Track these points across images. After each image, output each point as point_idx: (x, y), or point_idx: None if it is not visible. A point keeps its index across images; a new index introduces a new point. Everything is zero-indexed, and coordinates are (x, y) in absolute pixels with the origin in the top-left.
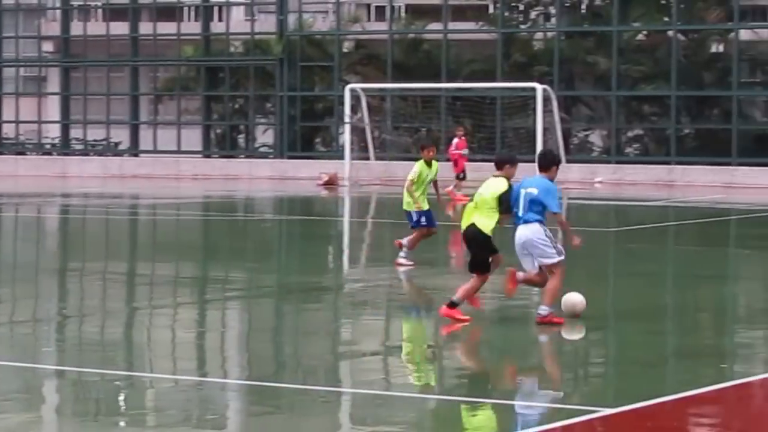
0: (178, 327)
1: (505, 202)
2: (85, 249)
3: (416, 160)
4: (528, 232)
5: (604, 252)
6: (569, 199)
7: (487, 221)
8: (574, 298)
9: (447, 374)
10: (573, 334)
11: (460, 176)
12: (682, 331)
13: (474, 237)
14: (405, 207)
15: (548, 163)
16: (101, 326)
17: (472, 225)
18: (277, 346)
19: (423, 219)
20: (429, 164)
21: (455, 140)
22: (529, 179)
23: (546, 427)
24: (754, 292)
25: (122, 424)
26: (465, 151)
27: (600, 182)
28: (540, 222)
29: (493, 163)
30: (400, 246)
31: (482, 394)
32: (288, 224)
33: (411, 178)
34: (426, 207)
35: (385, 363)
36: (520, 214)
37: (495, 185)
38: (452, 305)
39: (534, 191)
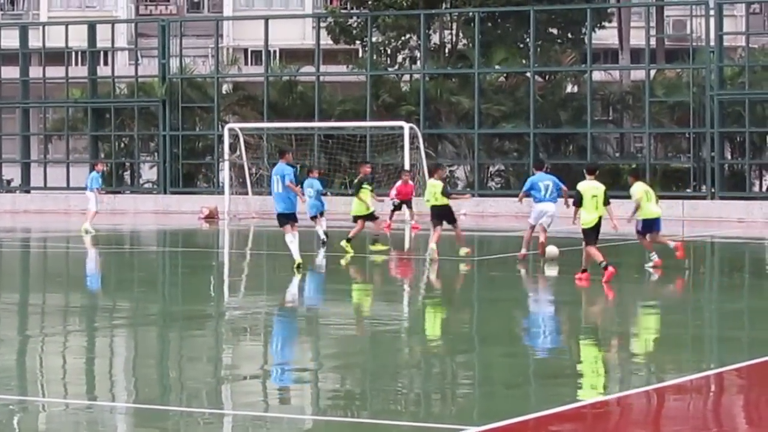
0: (69, 353)
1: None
2: None
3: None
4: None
5: (468, 279)
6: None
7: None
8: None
9: (322, 395)
10: (441, 356)
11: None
12: (542, 352)
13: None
14: None
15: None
16: None
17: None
18: (163, 370)
19: None
20: None
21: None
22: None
23: None
24: (607, 316)
25: None
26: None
27: (464, 214)
28: None
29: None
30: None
31: (355, 414)
32: (171, 256)
33: None
34: None
35: (264, 385)
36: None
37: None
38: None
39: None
